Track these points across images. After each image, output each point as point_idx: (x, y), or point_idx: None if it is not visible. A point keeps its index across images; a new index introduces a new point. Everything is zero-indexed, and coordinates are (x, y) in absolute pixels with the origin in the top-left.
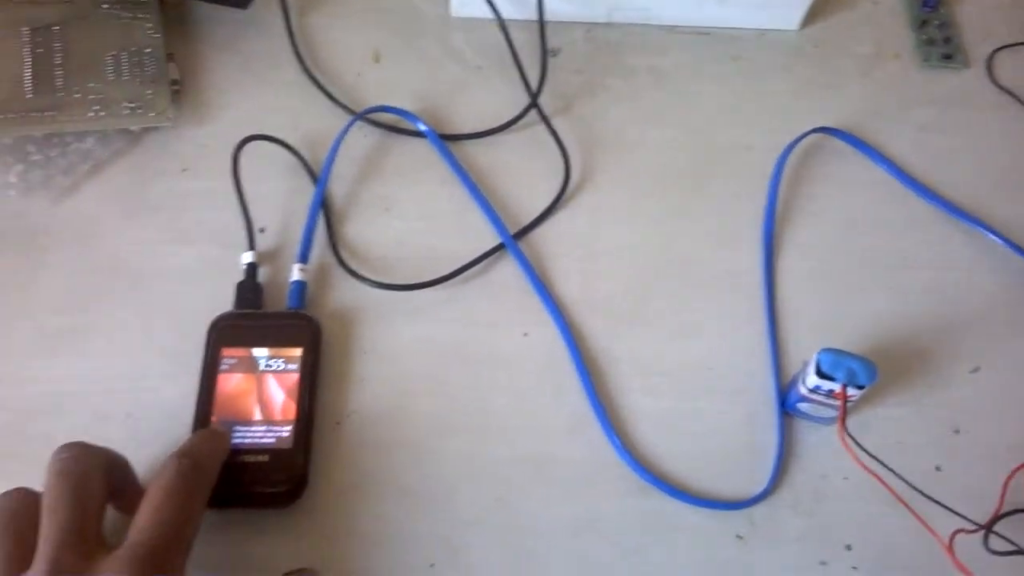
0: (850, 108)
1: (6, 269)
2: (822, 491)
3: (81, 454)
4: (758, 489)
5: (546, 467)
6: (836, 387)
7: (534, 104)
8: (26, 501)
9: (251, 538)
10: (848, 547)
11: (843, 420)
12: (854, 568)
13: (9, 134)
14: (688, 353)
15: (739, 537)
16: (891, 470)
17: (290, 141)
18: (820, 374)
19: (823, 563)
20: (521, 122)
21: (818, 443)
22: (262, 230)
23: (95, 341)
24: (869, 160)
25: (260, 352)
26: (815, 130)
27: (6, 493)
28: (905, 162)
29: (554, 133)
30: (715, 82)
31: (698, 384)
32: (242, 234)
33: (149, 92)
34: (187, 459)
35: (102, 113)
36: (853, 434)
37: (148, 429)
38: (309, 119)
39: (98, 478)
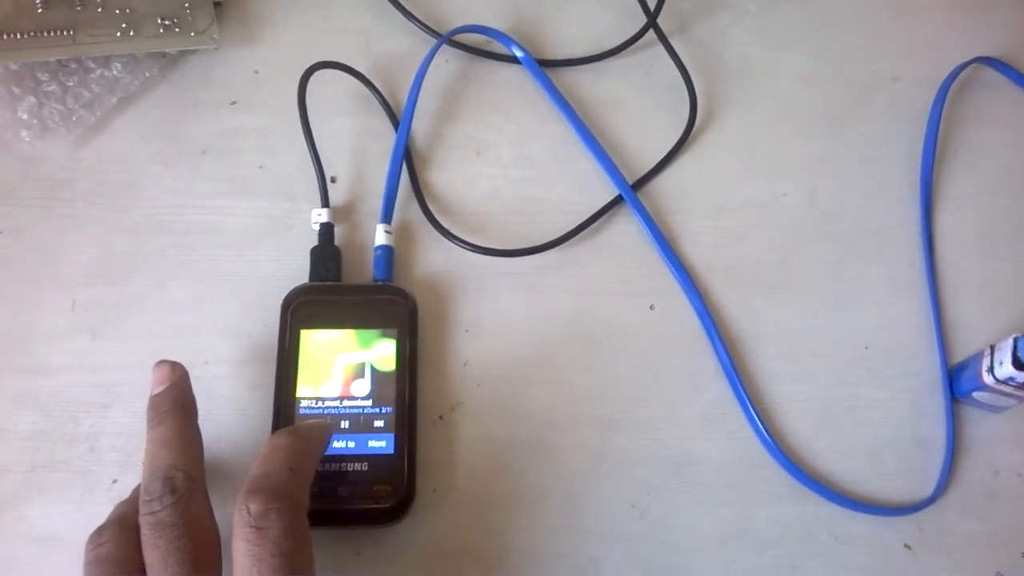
0: (1005, 33)
1: (23, 228)
2: (995, 490)
3: (185, 496)
4: (926, 490)
5: (686, 467)
6: None
7: (653, 23)
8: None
9: (349, 562)
10: None
11: None
12: None
13: (16, 59)
14: (840, 329)
15: (907, 547)
16: None
17: (360, 68)
18: (1019, 364)
19: (999, 574)
20: (634, 45)
21: (989, 434)
22: (333, 179)
23: (140, 318)
24: None
25: (347, 336)
26: (973, 60)
27: (97, 540)
28: None
29: (677, 59)
30: None
31: (854, 366)
32: (311, 183)
33: (187, 6)
34: (256, 501)
35: (131, 32)
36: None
37: (217, 431)
38: (381, 41)
39: (212, 525)
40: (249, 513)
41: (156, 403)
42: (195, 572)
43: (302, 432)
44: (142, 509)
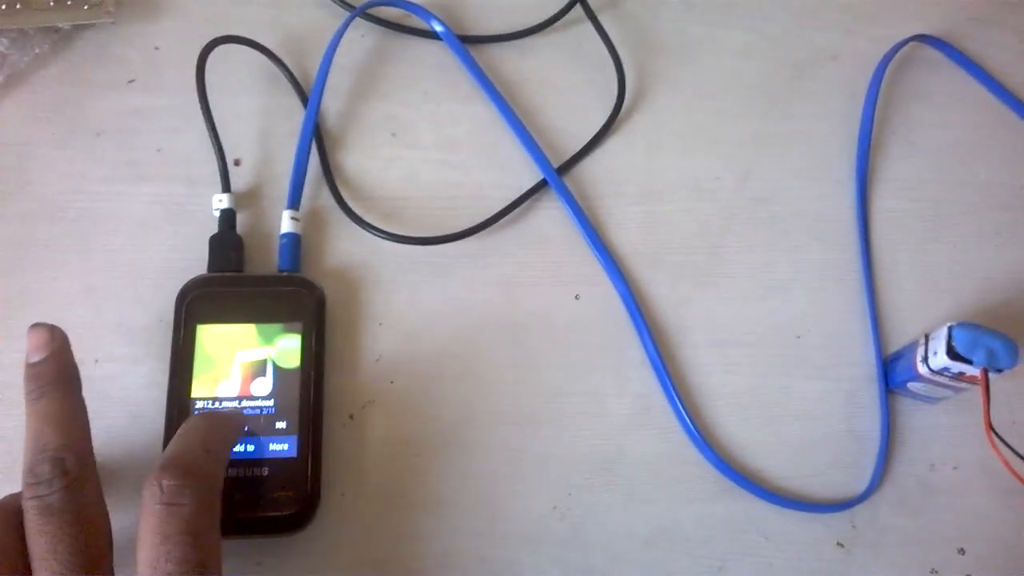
0: (944, 11)
1: None
2: (930, 485)
3: (77, 480)
4: (859, 485)
5: (610, 464)
6: (970, 370)
7: None
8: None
9: (250, 574)
10: (961, 551)
11: (989, 417)
12: None
13: None
14: (771, 318)
15: (840, 545)
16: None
17: (267, 44)
18: (953, 354)
19: (934, 572)
20: (560, 21)
21: (924, 427)
22: (237, 162)
23: (28, 313)
24: (968, 75)
25: (247, 330)
26: (912, 38)
27: None
28: (1007, 77)
29: (605, 35)
30: None
31: (785, 357)
32: (212, 168)
33: None
34: (171, 477)
35: (18, 5)
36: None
37: (108, 435)
38: (290, 14)
39: (103, 510)
40: (162, 490)
41: (36, 373)
42: (86, 562)
43: (217, 416)
44: (27, 493)
